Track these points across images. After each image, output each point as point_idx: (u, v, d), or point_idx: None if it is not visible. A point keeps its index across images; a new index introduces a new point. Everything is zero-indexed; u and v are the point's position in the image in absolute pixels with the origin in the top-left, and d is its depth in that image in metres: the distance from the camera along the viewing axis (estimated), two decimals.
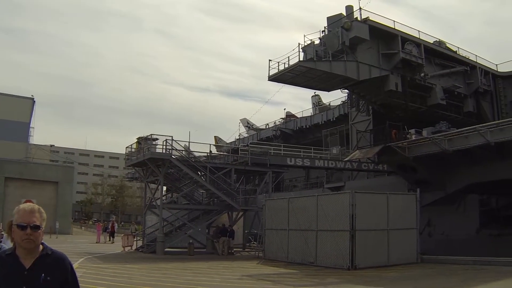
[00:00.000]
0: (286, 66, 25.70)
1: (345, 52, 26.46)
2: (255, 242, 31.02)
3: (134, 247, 30.42)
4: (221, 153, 43.50)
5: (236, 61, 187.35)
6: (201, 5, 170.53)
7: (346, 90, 33.03)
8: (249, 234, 33.11)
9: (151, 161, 27.95)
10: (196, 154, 30.90)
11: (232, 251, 28.55)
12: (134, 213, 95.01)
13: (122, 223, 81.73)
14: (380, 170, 35.59)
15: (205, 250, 29.62)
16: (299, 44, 25.57)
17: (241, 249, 30.79)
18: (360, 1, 27.60)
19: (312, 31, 36.02)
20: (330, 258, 19.16)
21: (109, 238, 39.33)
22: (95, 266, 19.07)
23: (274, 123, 59.04)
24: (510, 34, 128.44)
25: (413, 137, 28.98)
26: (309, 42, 27.35)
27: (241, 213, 31.25)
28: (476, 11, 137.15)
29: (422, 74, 29.83)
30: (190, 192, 30.98)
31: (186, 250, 27.44)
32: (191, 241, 28.74)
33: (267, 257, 23.57)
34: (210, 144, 33.85)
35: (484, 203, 32.67)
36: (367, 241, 18.69)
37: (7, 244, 3.86)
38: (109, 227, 42.00)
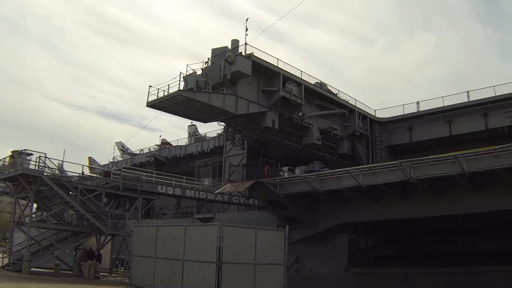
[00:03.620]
0: (166, 93, 29.98)
1: (226, 85, 31.33)
2: (122, 268, 33.62)
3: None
4: (94, 175, 46.28)
5: (116, 82, 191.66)
6: (88, 21, 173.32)
7: (223, 123, 37.83)
8: (117, 259, 35.84)
9: (22, 177, 30.04)
10: (69, 173, 33.71)
11: (99, 275, 31.19)
12: (2, 229, 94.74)
13: None
14: (251, 204, 40.46)
15: (71, 272, 31.91)
16: (180, 73, 30.15)
17: (107, 274, 33.18)
18: (246, 36, 32.86)
19: (197, 60, 41.44)
20: None
21: None
22: None
23: (149, 149, 64.49)
24: (391, 81, 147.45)
25: (286, 175, 33.67)
26: (191, 71, 31.90)
27: (109, 237, 33.88)
28: (360, 56, 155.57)
29: (300, 114, 35.74)
30: (60, 212, 33.22)
31: (52, 271, 29.68)
32: (58, 262, 30.82)
33: (133, 283, 26.05)
34: (83, 165, 36.29)
35: (353, 242, 39.07)
36: (234, 274, 20.87)
37: None
38: None
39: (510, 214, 28.24)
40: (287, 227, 24.37)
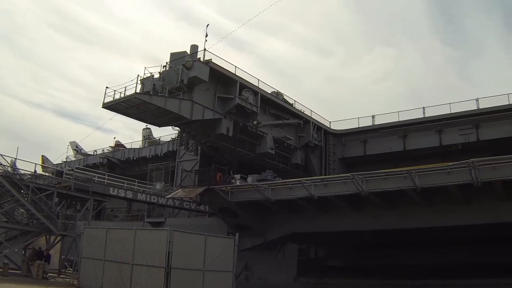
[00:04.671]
0: (123, 95, 31.24)
1: (182, 91, 33.06)
2: (70, 269, 33.83)
3: None
4: (46, 173, 47.38)
5: (74, 82, 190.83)
6: (50, 19, 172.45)
7: (178, 128, 39.35)
8: (66, 260, 36.17)
9: None
10: (22, 171, 34.59)
11: (47, 276, 31.80)
12: None
13: None
14: (202, 210, 42.20)
15: (20, 272, 32.48)
16: (138, 75, 31.70)
17: (56, 275, 33.64)
18: (205, 42, 34.58)
19: (157, 64, 42.91)
20: None
21: None
22: None
23: (103, 150, 65.98)
24: (348, 93, 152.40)
25: (238, 182, 35.43)
26: (149, 74, 33.47)
27: (59, 238, 34.61)
28: (318, 67, 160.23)
29: (255, 122, 37.73)
30: (10, 210, 33.69)
31: (1, 270, 30.15)
32: (6, 261, 31.41)
33: (81, 285, 26.48)
34: (35, 164, 37.26)
35: (303, 252, 41.36)
36: (182, 280, 21.41)
37: None
38: None
39: (461, 229, 30.89)
40: (237, 234, 25.51)
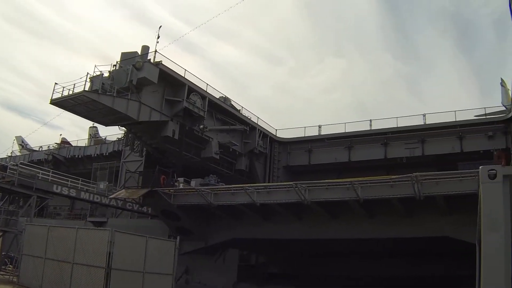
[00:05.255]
0: (71, 92, 31.79)
1: (131, 91, 33.87)
2: (11, 266, 34.24)
3: None
4: None
5: (23, 75, 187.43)
6: (3, 11, 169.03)
7: (124, 128, 39.91)
8: (6, 257, 36.33)
9: None
10: None
11: None
12: None
13: None
14: (144, 212, 43.04)
15: None
16: (87, 73, 32.44)
17: None
18: (157, 44, 35.63)
19: (107, 62, 43.62)
20: None
21: None
22: None
23: (48, 147, 66.18)
24: (296, 102, 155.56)
25: (181, 186, 36.60)
26: (99, 73, 33.96)
27: (0, 234, 34.83)
28: (268, 75, 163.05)
29: (201, 126, 38.85)
30: None
31: None
32: None
33: (21, 283, 26.64)
34: None
35: (244, 258, 42.82)
36: (122, 281, 22.05)
37: None
38: None
39: (402, 242, 32.61)
40: (178, 238, 26.17)
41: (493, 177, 4.74)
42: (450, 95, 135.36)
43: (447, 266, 36.03)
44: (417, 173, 27.41)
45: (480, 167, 4.52)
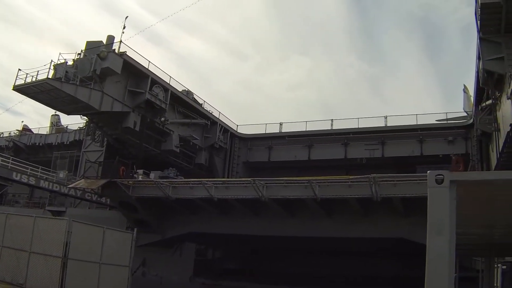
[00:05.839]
0: (34, 79, 32.31)
1: (94, 80, 34.33)
2: None
3: None
4: None
5: None
6: None
7: (86, 117, 40.41)
8: None
9: None
10: None
11: None
12: None
13: None
14: (103, 203, 43.19)
15: None
16: (51, 61, 33.14)
17: None
18: (122, 34, 36.14)
19: (72, 50, 43.75)
20: (41, 282, 22.32)
21: None
22: None
23: (9, 133, 65.46)
24: (259, 99, 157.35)
25: (140, 178, 37.10)
26: (63, 61, 34.51)
27: None
28: (233, 70, 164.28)
29: (163, 119, 39.68)
30: None
31: None
32: None
33: None
34: None
35: (201, 252, 43.89)
36: (79, 271, 22.07)
37: None
38: None
39: (360, 241, 34.17)
40: (135, 229, 26.51)
41: (440, 182, 5.22)
42: (413, 99, 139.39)
43: (403, 267, 37.37)
44: (374, 174, 28.59)
45: (428, 171, 5.28)
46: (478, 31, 28.23)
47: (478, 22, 27.67)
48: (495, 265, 19.66)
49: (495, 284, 20.32)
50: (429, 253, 5.89)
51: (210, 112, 47.57)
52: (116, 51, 35.73)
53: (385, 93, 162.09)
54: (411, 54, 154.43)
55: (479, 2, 26.32)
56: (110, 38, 36.38)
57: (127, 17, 37.14)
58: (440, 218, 5.85)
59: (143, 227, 36.20)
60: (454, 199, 5.73)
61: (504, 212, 8.46)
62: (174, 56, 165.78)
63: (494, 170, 30.91)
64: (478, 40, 28.66)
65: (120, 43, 36.10)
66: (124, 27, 36.55)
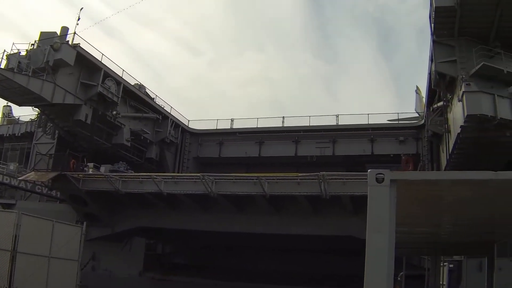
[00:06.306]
0: None
1: (47, 72, 34.34)
2: None
3: None
4: None
5: None
6: None
7: (38, 109, 40.49)
8: None
9: None
10: None
11: None
12: None
13: None
14: (53, 196, 42.93)
15: None
16: (4, 50, 33.20)
17: None
18: (77, 26, 36.22)
19: (26, 40, 43.01)
20: None
21: None
22: None
23: None
24: (212, 94, 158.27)
25: (90, 171, 37.54)
26: (16, 51, 34.36)
27: None
28: (186, 66, 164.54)
29: (114, 112, 39.92)
30: None
31: None
32: None
33: None
34: None
35: (151, 247, 44.34)
36: (28, 265, 22.08)
37: None
38: None
39: (309, 239, 34.98)
40: (84, 223, 26.68)
41: (381, 180, 5.56)
42: (366, 98, 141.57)
43: (352, 265, 38.45)
44: (323, 172, 29.61)
45: (369, 170, 5.77)
46: (432, 34, 29.67)
47: (432, 25, 29.12)
48: (441, 264, 20.90)
49: (441, 282, 21.59)
50: (368, 250, 5.93)
51: (162, 106, 48.11)
52: (70, 42, 35.79)
53: (338, 92, 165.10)
54: (365, 54, 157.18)
55: (434, 5, 27.67)
56: (64, 29, 36.34)
57: (82, 8, 37.41)
58: (379, 216, 5.89)
59: (93, 221, 36.30)
60: (395, 197, 5.83)
61: (448, 211, 8.76)
62: (129, 49, 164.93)
63: (444, 170, 32.31)
64: (432, 43, 30.00)
65: (74, 35, 36.19)
66: (78, 19, 36.65)
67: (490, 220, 9.37)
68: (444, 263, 22.92)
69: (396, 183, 5.76)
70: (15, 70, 32.95)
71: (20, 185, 42.41)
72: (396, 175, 5.81)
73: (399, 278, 26.58)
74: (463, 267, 23.27)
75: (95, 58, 38.32)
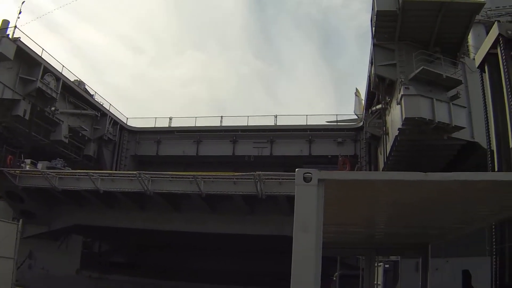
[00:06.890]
0: None
1: None
2: None
3: None
4: None
5: None
6: None
7: None
8: None
9: None
10: None
11: None
12: None
13: None
14: None
15: None
16: None
17: None
18: (18, 20, 36.20)
19: None
20: None
21: None
22: None
23: None
24: (152, 92, 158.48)
25: (28, 167, 37.53)
26: None
27: None
28: (127, 63, 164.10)
29: (53, 108, 39.88)
30: None
31: None
32: None
33: None
34: None
35: (87, 245, 44.59)
36: None
37: None
38: None
39: (246, 238, 35.64)
40: (20, 220, 26.09)
41: (308, 180, 5.54)
42: (307, 100, 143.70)
43: (288, 264, 39.38)
44: (259, 172, 30.86)
45: (296, 169, 5.93)
46: (373, 37, 30.83)
47: (373, 28, 30.19)
48: (376, 264, 21.96)
49: (375, 282, 22.69)
50: (295, 250, 5.86)
51: (101, 103, 48.39)
52: (10, 36, 35.68)
53: (279, 94, 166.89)
54: (307, 56, 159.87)
55: (375, 9, 28.71)
56: (5, 23, 36.26)
57: (23, 1, 37.36)
58: (306, 215, 5.78)
59: (30, 218, 36.46)
60: (322, 197, 5.75)
61: (380, 212, 8.89)
62: (71, 45, 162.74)
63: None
64: (372, 46, 31.14)
65: (15, 29, 36.14)
66: (20, 12, 36.76)
67: (422, 222, 9.50)
68: (380, 263, 24.09)
69: (324, 182, 5.71)
70: None
71: None
72: (323, 174, 5.72)
73: (334, 278, 27.89)
74: (400, 267, 24.54)
75: (35, 53, 38.30)
